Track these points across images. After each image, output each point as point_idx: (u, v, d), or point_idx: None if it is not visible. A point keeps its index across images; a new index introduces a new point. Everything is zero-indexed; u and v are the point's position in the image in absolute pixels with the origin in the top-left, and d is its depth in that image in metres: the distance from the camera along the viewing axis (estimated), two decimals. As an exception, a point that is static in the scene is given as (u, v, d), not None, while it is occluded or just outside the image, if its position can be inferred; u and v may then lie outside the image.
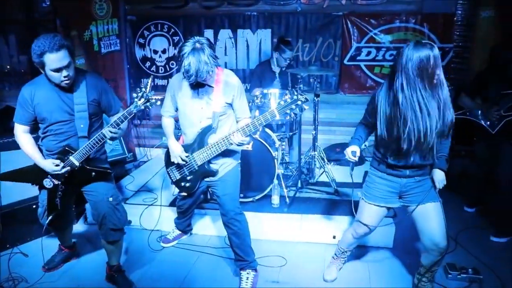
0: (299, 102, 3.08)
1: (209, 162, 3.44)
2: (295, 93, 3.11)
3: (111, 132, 3.05)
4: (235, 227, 3.51)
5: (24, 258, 4.02)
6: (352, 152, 3.13)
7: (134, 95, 3.01)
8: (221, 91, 3.32)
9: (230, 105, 3.41)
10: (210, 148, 3.33)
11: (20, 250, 4.10)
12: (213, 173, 3.47)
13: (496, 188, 4.45)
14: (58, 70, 2.94)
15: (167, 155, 3.64)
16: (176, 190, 3.93)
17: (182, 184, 3.61)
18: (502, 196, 4.36)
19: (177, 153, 3.46)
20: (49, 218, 3.37)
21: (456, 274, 3.66)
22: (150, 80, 3.05)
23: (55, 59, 2.89)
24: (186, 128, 3.48)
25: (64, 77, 2.98)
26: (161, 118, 3.67)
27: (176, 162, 3.51)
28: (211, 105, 3.32)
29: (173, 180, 3.69)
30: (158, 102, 3.09)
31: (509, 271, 3.79)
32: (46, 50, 2.85)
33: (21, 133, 3.23)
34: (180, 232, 4.41)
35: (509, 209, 4.32)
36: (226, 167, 3.52)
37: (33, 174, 3.31)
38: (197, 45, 3.01)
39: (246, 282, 3.56)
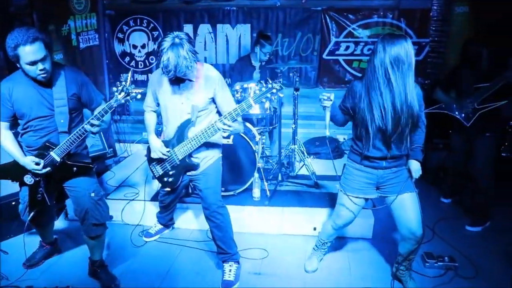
0: (274, 90, 3.08)
1: (190, 155, 3.44)
2: (270, 82, 3.11)
3: (93, 125, 3.01)
4: (218, 220, 3.55)
5: (4, 256, 3.98)
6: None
7: (114, 89, 2.98)
8: (202, 85, 3.32)
9: (213, 100, 3.40)
10: (190, 142, 3.33)
11: (0, 248, 4.05)
12: (195, 167, 3.47)
13: (471, 180, 4.58)
14: (33, 63, 2.90)
15: (149, 151, 3.64)
16: (159, 185, 3.94)
17: (165, 179, 3.62)
18: (476, 187, 4.50)
19: (157, 148, 3.47)
20: (31, 214, 3.35)
21: (433, 262, 3.77)
22: (130, 74, 3.02)
23: (29, 52, 2.85)
24: (167, 123, 3.49)
25: (40, 70, 2.94)
26: (144, 113, 3.68)
27: (156, 157, 3.52)
28: (192, 100, 3.32)
29: (156, 176, 3.69)
30: (139, 96, 3.04)
31: (483, 258, 3.92)
32: (20, 43, 2.81)
33: (0, 129, 3.18)
34: (162, 226, 4.42)
35: (483, 199, 4.47)
36: (208, 161, 3.54)
37: (13, 170, 3.28)
38: (176, 40, 3.01)
39: (229, 275, 3.60)
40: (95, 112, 3.04)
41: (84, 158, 3.42)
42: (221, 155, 3.69)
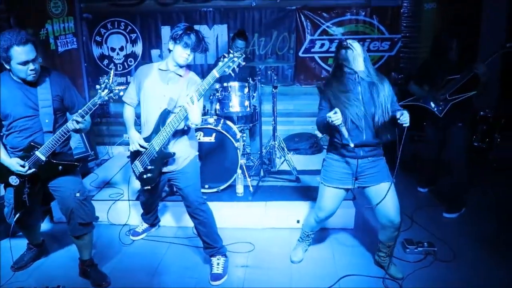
0: (235, 59, 3.16)
1: (165, 146, 3.47)
2: (231, 52, 3.21)
3: (78, 122, 3.07)
4: (201, 217, 3.63)
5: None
6: (334, 113, 2.99)
7: (98, 86, 3.05)
8: (186, 83, 3.45)
9: None
10: (165, 129, 3.36)
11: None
12: (171, 156, 3.50)
13: (445, 169, 4.76)
14: (25, 63, 2.99)
15: (131, 152, 3.69)
16: (139, 188, 3.98)
17: (145, 176, 3.62)
18: (451, 175, 4.69)
19: (135, 140, 3.52)
20: (16, 216, 3.36)
21: (413, 248, 3.93)
22: (112, 72, 3.09)
23: (22, 52, 2.94)
24: (147, 116, 3.53)
25: (31, 70, 3.03)
26: (123, 107, 3.72)
27: (134, 149, 3.56)
28: (172, 94, 3.42)
29: (137, 175, 3.70)
30: (121, 93, 3.14)
31: (461, 242, 4.10)
32: (13, 44, 2.90)
33: None
34: (148, 225, 4.50)
35: (458, 187, 4.66)
36: (185, 159, 3.62)
37: None
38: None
39: (217, 268, 3.69)
40: (79, 111, 3.09)
41: (69, 157, 3.48)
42: (197, 153, 3.76)
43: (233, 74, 3.26)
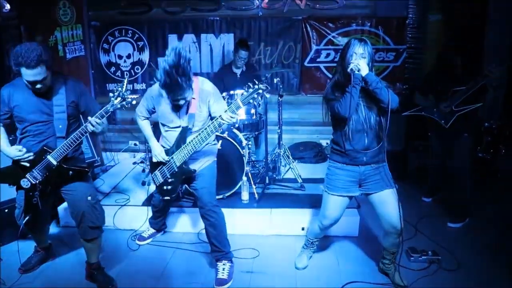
0: (260, 91, 3.16)
1: (186, 162, 3.57)
2: (256, 83, 3.18)
3: (97, 123, 3.11)
4: (212, 218, 3.66)
5: (-1, 262, 4.03)
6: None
7: (111, 94, 3.12)
8: (198, 100, 3.50)
9: (209, 112, 3.58)
10: (186, 147, 3.46)
11: (-5, 254, 4.10)
12: (192, 174, 3.61)
13: (450, 179, 4.78)
14: (32, 83, 3.04)
15: (151, 161, 3.80)
16: (153, 189, 4.03)
17: (164, 187, 3.73)
18: (455, 185, 4.70)
19: (158, 153, 3.63)
20: (26, 218, 3.39)
21: (417, 256, 3.94)
22: (126, 80, 3.16)
23: (30, 74, 2.98)
24: (165, 131, 3.66)
25: (37, 88, 3.09)
26: (136, 116, 3.80)
27: (156, 160, 3.67)
28: (190, 110, 3.49)
29: (157, 185, 3.80)
30: (134, 102, 3.18)
31: (465, 252, 4.11)
32: (22, 64, 2.93)
33: None
34: (155, 230, 4.53)
35: (462, 197, 4.68)
36: (204, 163, 3.70)
37: (10, 174, 3.34)
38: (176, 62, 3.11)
39: (223, 273, 3.70)
40: (96, 114, 3.14)
41: (80, 162, 3.53)
42: (215, 159, 3.83)
43: (257, 105, 3.29)
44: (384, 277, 3.72)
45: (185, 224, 4.65)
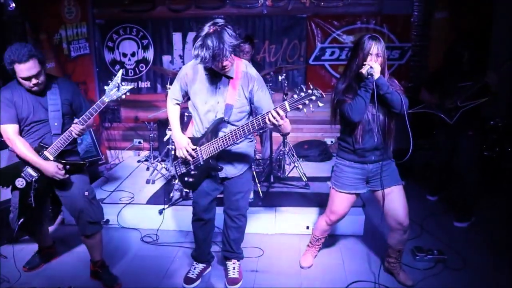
0: (313, 98, 2.58)
1: (215, 157, 3.19)
2: (311, 87, 2.60)
3: (78, 131, 3.23)
4: (241, 222, 3.61)
5: (3, 260, 4.02)
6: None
7: (106, 87, 3.21)
8: (240, 83, 3.07)
9: (250, 101, 3.15)
10: (217, 141, 3.08)
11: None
12: (217, 170, 3.24)
13: (455, 177, 4.75)
14: (27, 78, 3.10)
15: (175, 148, 3.39)
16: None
17: (186, 179, 3.39)
18: (461, 183, 4.68)
19: (183, 146, 3.24)
20: (21, 220, 3.39)
21: (423, 255, 3.92)
22: (121, 72, 3.24)
23: (23, 69, 3.05)
24: (198, 121, 3.26)
25: (33, 84, 3.14)
26: (166, 103, 3.45)
27: (181, 155, 3.29)
28: (227, 99, 3.07)
29: (178, 174, 3.48)
30: (128, 93, 3.26)
31: (471, 251, 4.09)
32: (15, 60, 3.02)
33: (14, 135, 3.23)
34: (204, 265, 3.85)
35: (468, 195, 4.65)
36: (245, 165, 3.41)
37: (5, 175, 3.36)
38: (214, 28, 2.78)
39: (233, 272, 3.70)
40: (89, 110, 3.23)
41: (75, 155, 3.58)
42: (252, 165, 3.76)
43: (306, 112, 2.67)
44: (389, 276, 3.70)
45: (189, 223, 4.61)
